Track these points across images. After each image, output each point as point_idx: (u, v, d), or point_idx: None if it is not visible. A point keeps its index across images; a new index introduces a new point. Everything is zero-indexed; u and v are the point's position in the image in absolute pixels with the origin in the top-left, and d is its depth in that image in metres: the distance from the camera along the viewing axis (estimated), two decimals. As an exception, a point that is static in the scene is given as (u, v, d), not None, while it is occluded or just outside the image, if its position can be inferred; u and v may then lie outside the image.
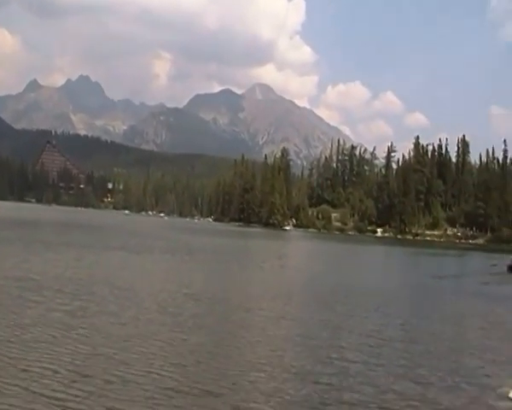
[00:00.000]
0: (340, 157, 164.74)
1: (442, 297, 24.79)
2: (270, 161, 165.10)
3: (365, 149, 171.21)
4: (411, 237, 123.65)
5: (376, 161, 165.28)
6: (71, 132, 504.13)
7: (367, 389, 9.67)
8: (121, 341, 11.93)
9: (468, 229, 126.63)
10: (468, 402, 9.36)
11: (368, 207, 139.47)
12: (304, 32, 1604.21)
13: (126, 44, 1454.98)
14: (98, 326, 13.17)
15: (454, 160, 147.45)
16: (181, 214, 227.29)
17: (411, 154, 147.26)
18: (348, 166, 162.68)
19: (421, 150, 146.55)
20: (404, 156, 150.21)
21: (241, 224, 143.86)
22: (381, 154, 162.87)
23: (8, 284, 18.01)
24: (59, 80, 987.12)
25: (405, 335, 14.87)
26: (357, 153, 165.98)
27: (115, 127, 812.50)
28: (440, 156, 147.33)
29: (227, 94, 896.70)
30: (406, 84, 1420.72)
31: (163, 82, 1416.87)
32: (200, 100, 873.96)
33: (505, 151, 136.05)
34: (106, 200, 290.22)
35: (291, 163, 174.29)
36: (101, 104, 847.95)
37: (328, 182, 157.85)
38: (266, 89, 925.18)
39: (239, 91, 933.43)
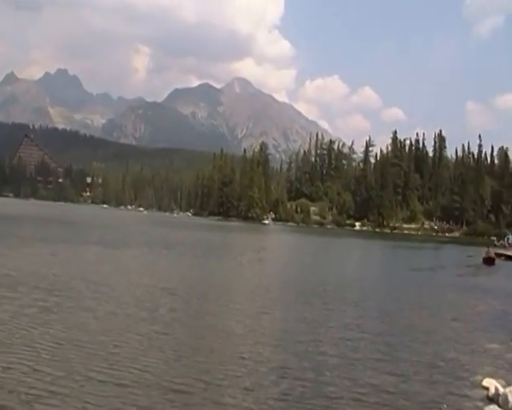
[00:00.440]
0: (318, 151, 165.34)
1: (419, 290, 25.04)
2: (249, 154, 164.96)
3: (343, 144, 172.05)
4: (389, 231, 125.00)
5: (354, 156, 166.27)
6: (49, 126, 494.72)
7: (344, 383, 9.67)
8: (98, 336, 11.75)
9: (444, 222, 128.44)
10: (444, 393, 9.43)
11: (346, 200, 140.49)
12: (282, 26, 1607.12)
13: (105, 38, 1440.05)
14: (74, 322, 12.95)
15: (431, 154, 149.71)
16: (160, 209, 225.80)
17: (389, 148, 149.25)
18: (326, 161, 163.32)
19: (398, 145, 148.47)
20: (381, 151, 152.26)
21: (220, 218, 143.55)
22: (359, 148, 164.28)
23: (-19, 281, 17.58)
24: (37, 73, 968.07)
25: (383, 328, 14.94)
26: (336, 147, 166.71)
27: (94, 121, 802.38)
28: (417, 151, 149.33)
29: (206, 88, 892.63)
30: (384, 80, 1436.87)
31: (141, 76, 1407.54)
32: (179, 94, 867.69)
33: (480, 146, 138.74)
34: (84, 194, 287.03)
35: (270, 157, 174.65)
36: (79, 98, 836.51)
37: (307, 176, 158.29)
38: (245, 83, 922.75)
39: (218, 85, 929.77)
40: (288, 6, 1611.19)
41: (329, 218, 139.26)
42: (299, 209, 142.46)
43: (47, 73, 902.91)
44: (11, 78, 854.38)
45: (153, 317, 14.26)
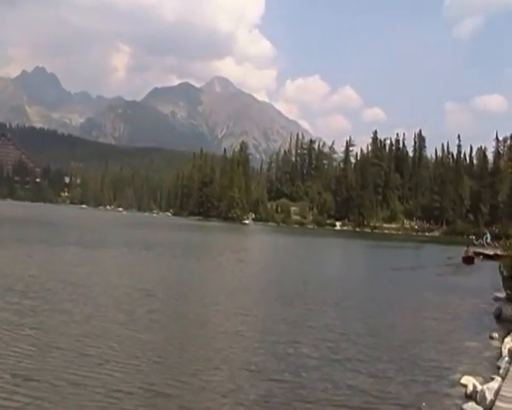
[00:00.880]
0: (299, 151, 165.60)
1: (399, 289, 25.15)
2: (229, 154, 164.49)
3: (324, 143, 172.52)
4: (369, 230, 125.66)
5: (335, 155, 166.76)
6: (26, 125, 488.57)
7: (324, 386, 9.57)
8: (74, 340, 11.49)
9: (424, 222, 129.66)
10: (424, 392, 9.44)
11: (326, 200, 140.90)
12: (263, 25, 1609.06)
13: (84, 36, 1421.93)
14: (49, 325, 12.68)
15: (411, 154, 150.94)
16: (139, 209, 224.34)
17: (369, 148, 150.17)
18: (307, 160, 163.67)
19: (378, 145, 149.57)
20: (362, 150, 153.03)
21: (200, 218, 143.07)
22: (340, 148, 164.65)
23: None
24: (14, 71, 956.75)
25: (363, 328, 14.87)
26: (316, 147, 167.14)
27: (72, 120, 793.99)
28: (398, 151, 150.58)
29: (186, 87, 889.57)
30: (365, 79, 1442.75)
31: (121, 74, 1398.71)
32: (159, 93, 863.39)
33: (459, 146, 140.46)
34: (63, 194, 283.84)
35: (250, 157, 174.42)
36: (57, 96, 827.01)
37: (287, 176, 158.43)
38: (225, 82, 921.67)
39: (198, 85, 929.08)
40: (269, 5, 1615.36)
41: (310, 218, 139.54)
42: (279, 209, 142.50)
43: (24, 72, 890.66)
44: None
45: (131, 319, 14.02)
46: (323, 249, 58.43)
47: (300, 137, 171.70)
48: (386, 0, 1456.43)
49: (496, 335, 14.11)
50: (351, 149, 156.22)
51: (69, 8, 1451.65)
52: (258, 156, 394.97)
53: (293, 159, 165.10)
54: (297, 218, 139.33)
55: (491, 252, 40.50)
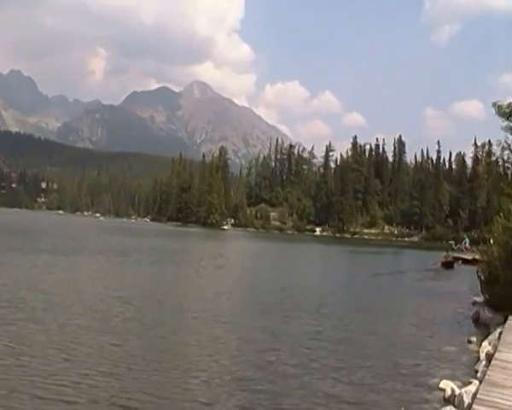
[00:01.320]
0: (278, 156, 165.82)
1: (379, 295, 25.17)
2: (208, 159, 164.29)
3: (304, 149, 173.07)
4: (349, 236, 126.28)
5: (315, 160, 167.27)
6: (1, 129, 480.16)
7: (303, 394, 9.43)
8: (46, 349, 11.16)
9: (404, 227, 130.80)
10: (403, 397, 9.44)
11: (306, 206, 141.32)
12: (242, 29, 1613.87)
13: (61, 39, 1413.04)
14: (21, 335, 12.31)
15: (391, 159, 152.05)
16: (117, 215, 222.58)
17: (349, 153, 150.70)
18: (286, 166, 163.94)
19: (358, 150, 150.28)
20: (341, 156, 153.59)
21: (178, 223, 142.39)
22: (320, 153, 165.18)
23: None
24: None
25: (343, 335, 14.79)
26: (296, 152, 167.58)
27: (49, 124, 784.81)
28: (377, 156, 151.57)
29: (164, 91, 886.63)
30: (344, 85, 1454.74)
31: (98, 78, 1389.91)
32: (137, 97, 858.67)
33: (439, 152, 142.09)
34: (39, 200, 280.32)
35: (229, 162, 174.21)
36: (33, 100, 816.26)
37: (267, 181, 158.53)
38: (204, 87, 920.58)
39: (177, 89, 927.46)
40: (249, 9, 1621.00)
41: (289, 223, 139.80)
42: (258, 215, 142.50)
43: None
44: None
45: (105, 328, 13.70)
46: (303, 255, 58.44)
47: (280, 142, 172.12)
48: (365, 6, 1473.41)
49: (474, 339, 14.22)
50: (330, 154, 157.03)
51: (45, 11, 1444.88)
52: (237, 161, 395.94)
53: (273, 164, 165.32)
54: (276, 223, 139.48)
55: (469, 257, 40.82)
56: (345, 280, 32.69)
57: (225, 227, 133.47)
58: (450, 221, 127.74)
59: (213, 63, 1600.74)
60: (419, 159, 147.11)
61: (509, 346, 10.15)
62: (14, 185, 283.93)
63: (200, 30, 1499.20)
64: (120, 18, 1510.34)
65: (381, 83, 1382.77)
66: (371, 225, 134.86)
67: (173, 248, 52.67)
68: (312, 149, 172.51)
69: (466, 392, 8.58)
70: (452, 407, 8.52)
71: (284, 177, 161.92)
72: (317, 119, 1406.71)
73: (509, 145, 25.58)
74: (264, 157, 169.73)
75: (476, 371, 10.46)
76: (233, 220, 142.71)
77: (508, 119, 23.84)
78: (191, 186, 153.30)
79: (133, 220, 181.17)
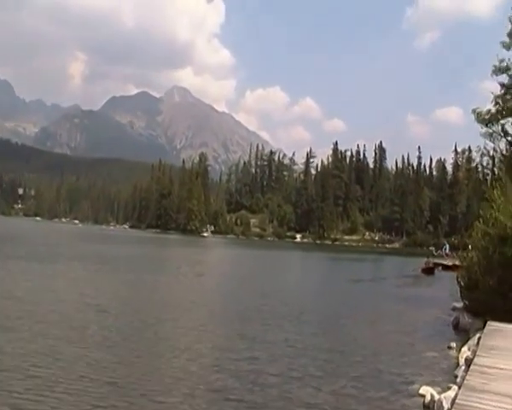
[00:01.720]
0: (258, 162, 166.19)
1: (360, 301, 25.18)
2: (188, 165, 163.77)
3: (284, 155, 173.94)
4: (330, 243, 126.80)
5: (295, 167, 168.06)
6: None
7: (283, 404, 9.26)
8: (19, 360, 10.80)
9: (385, 233, 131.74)
10: (383, 404, 9.38)
11: (286, 212, 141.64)
12: (223, 34, 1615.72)
13: (38, 42, 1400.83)
14: (-7, 345, 11.87)
15: (371, 166, 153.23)
16: (96, 221, 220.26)
17: (330, 159, 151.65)
18: (267, 172, 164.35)
19: (339, 156, 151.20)
20: (322, 162, 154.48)
21: (158, 230, 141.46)
22: (300, 159, 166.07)
23: None
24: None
25: (323, 343, 14.66)
26: (276, 158, 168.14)
27: (26, 129, 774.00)
28: (358, 162, 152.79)
29: (144, 97, 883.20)
30: (325, 91, 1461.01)
31: (77, 82, 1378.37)
32: (117, 102, 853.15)
33: (419, 158, 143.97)
34: (16, 206, 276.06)
35: (209, 168, 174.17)
36: (10, 104, 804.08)
37: (247, 187, 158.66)
38: (184, 92, 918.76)
39: (157, 94, 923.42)
40: (229, 14, 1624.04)
41: (270, 230, 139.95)
42: (238, 221, 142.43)
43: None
44: None
45: (82, 337, 13.37)
46: (283, 262, 58.37)
47: (260, 148, 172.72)
48: (347, 13, 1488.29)
49: (453, 344, 14.27)
50: (311, 160, 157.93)
51: (23, 13, 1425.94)
52: (217, 168, 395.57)
53: (253, 170, 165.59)
54: (257, 230, 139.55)
55: (449, 263, 41.22)
56: (325, 287, 32.68)
57: (205, 234, 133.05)
58: (430, 227, 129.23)
59: (193, 68, 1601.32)
60: (400, 165, 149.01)
61: (487, 351, 10.19)
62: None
63: (180, 35, 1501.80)
64: (100, 22, 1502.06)
65: (362, 89, 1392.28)
66: (352, 231, 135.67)
67: (152, 255, 52.27)
68: (293, 155, 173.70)
69: (445, 397, 8.60)
70: (431, 413, 8.48)
71: (264, 183, 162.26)
72: (298, 125, 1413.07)
73: (488, 151, 25.97)
74: (245, 163, 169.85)
75: (456, 377, 10.47)
76: (213, 227, 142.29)
77: (487, 125, 24.19)
78: (171, 192, 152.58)
79: (112, 227, 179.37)
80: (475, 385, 7.64)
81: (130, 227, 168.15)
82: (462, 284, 18.24)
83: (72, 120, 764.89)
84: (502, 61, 24.25)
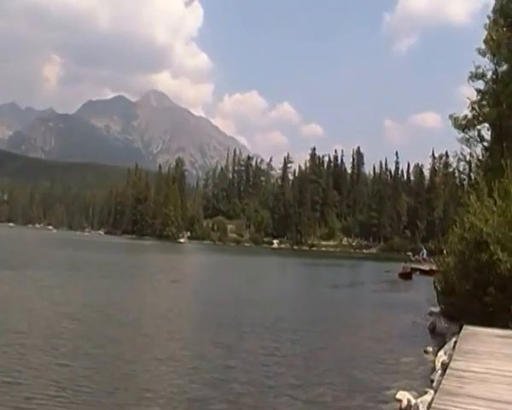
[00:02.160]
0: (236, 167, 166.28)
1: (337, 307, 25.16)
2: (165, 170, 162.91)
3: (262, 160, 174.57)
4: (307, 248, 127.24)
5: (273, 172, 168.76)
6: None
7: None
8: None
9: (362, 238, 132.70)
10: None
11: (264, 218, 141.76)
12: (200, 38, 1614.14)
13: (12, 44, 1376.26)
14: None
15: (349, 171, 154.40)
16: (71, 227, 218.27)
17: (307, 165, 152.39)
18: (244, 177, 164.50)
19: (317, 161, 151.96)
20: (300, 167, 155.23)
21: (133, 236, 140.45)
22: (278, 164, 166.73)
23: None
24: None
25: (300, 350, 14.52)
26: (254, 163, 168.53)
27: None
28: (336, 167, 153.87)
29: (120, 101, 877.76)
30: (303, 96, 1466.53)
31: (52, 85, 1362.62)
32: (92, 106, 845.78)
33: (397, 163, 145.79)
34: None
35: (186, 173, 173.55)
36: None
37: (224, 193, 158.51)
38: (161, 96, 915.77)
39: (133, 98, 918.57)
40: (207, 18, 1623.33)
41: (247, 236, 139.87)
42: (215, 227, 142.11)
43: None
44: None
45: (53, 346, 12.95)
46: (260, 268, 58.32)
47: (238, 153, 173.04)
48: (325, 15, 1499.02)
49: (430, 349, 14.33)
50: (289, 165, 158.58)
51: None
52: (194, 173, 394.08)
53: (230, 175, 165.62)
54: (234, 236, 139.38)
55: (426, 268, 41.63)
56: (302, 293, 32.59)
57: (181, 240, 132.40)
58: (408, 232, 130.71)
59: (171, 72, 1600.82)
60: (377, 170, 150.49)
61: (463, 355, 10.20)
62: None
63: (157, 38, 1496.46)
64: (76, 24, 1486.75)
65: (340, 94, 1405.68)
66: (329, 236, 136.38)
67: (127, 261, 51.72)
68: (270, 160, 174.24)
69: (422, 402, 8.63)
70: (408, 417, 8.47)
71: (242, 188, 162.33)
72: (275, 130, 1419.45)
73: (465, 157, 26.30)
74: (222, 168, 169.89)
75: (432, 381, 10.49)
76: (189, 233, 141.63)
77: (463, 131, 24.50)
78: (147, 198, 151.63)
79: (87, 233, 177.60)
80: (451, 389, 7.65)
81: (106, 233, 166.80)
82: (438, 288, 18.32)
83: (46, 124, 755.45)
84: (478, 67, 24.62)
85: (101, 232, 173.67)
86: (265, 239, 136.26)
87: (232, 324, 18.06)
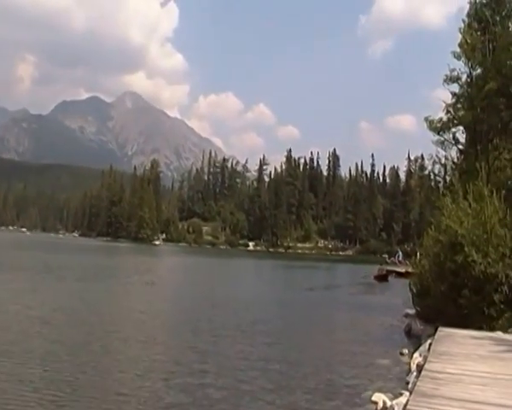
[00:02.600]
0: (211, 169, 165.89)
1: (313, 310, 25.09)
2: (140, 172, 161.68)
3: (237, 162, 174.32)
4: (283, 251, 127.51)
5: (248, 174, 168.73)
6: None
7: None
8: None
9: (338, 241, 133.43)
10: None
11: (239, 220, 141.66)
12: (176, 38, 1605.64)
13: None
14: None
15: (325, 173, 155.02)
16: (44, 229, 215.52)
17: (283, 167, 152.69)
18: (220, 179, 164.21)
19: (293, 163, 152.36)
20: (276, 169, 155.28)
21: (108, 239, 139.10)
22: (254, 166, 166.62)
23: None
24: None
25: (276, 354, 14.39)
26: (229, 165, 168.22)
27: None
28: (312, 169, 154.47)
29: (95, 101, 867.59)
30: (279, 97, 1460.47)
31: (26, 86, 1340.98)
32: (66, 107, 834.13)
33: (373, 165, 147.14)
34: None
35: (161, 175, 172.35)
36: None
37: (200, 195, 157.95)
38: (136, 97, 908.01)
39: (108, 99, 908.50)
40: (182, 18, 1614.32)
41: (222, 238, 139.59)
42: (191, 229, 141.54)
43: None
44: None
45: (22, 351, 12.62)
46: (235, 271, 58.17)
47: (213, 155, 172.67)
48: (301, 20, 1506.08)
49: (405, 351, 14.36)
50: (264, 167, 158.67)
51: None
52: (169, 174, 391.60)
53: (206, 177, 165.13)
54: (209, 238, 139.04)
55: (402, 270, 41.90)
56: (278, 296, 32.49)
57: (157, 242, 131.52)
58: (383, 234, 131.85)
59: (146, 73, 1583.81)
60: (353, 172, 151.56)
61: (438, 356, 10.27)
62: None
63: (132, 38, 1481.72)
64: (50, 23, 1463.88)
65: (316, 96, 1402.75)
66: (305, 239, 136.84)
67: (101, 264, 51.05)
68: (246, 162, 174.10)
69: (397, 404, 8.61)
70: (384, 419, 8.43)
71: (217, 190, 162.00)
72: (251, 131, 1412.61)
73: (440, 159, 26.51)
74: (197, 170, 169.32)
75: (407, 383, 10.46)
76: (164, 235, 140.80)
77: (439, 133, 24.70)
78: (122, 200, 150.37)
79: (61, 235, 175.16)
80: (426, 390, 7.66)
81: (80, 235, 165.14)
82: (414, 290, 18.44)
83: (20, 125, 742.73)
84: (453, 70, 24.79)
85: (76, 235, 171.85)
86: (241, 241, 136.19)
87: (207, 327, 17.88)
